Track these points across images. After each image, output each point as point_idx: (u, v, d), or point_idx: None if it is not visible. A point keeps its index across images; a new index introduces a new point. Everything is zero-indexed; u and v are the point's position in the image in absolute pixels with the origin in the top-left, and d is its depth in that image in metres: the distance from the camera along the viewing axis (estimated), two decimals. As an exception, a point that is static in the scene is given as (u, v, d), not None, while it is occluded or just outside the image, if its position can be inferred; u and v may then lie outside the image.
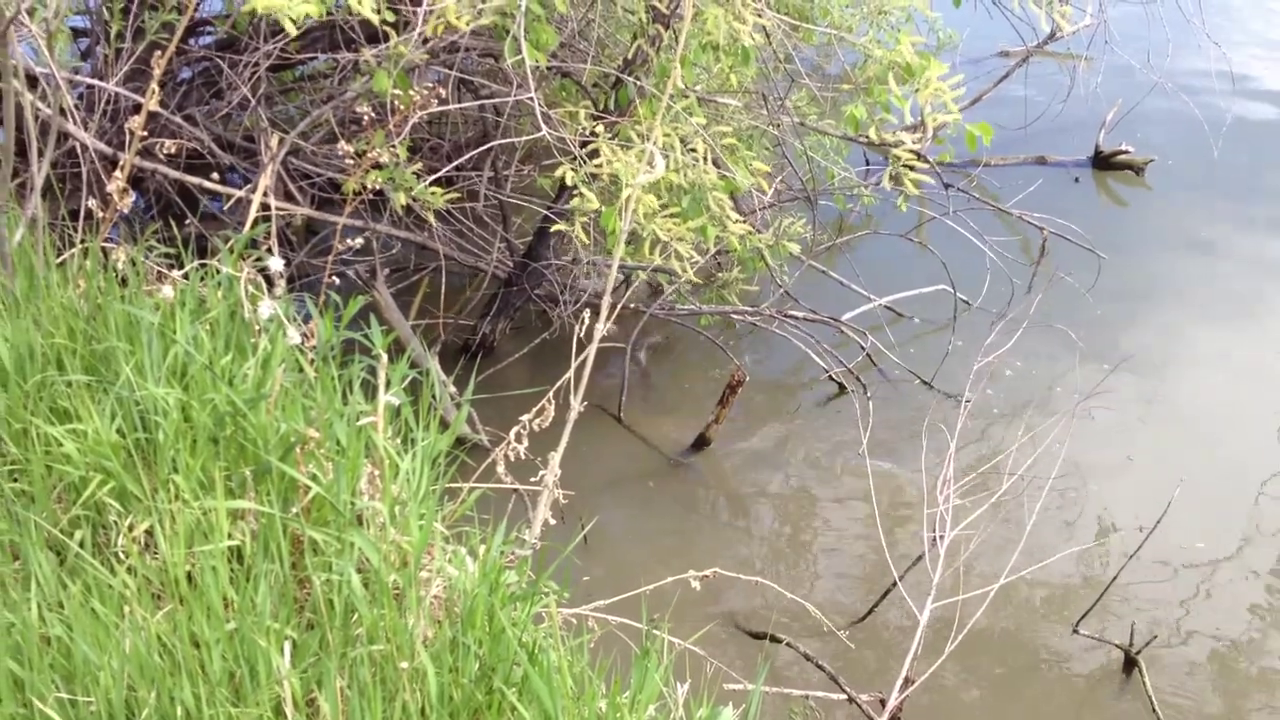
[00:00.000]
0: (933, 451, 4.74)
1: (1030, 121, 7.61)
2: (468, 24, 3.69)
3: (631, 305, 5.73)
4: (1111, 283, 6.55)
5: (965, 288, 6.37)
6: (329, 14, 3.64)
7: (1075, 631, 4.42)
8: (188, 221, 5.22)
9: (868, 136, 4.92)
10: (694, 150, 4.53)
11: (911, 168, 4.67)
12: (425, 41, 3.67)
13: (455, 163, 4.70)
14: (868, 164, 7.35)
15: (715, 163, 4.71)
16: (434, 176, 4.25)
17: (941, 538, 4.09)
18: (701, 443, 5.36)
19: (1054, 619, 4.51)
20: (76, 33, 5.95)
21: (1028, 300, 6.30)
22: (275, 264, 3.25)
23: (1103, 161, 7.84)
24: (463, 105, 5.27)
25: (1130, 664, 4.34)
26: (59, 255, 3.99)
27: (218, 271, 3.64)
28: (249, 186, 4.54)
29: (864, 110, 4.43)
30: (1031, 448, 4.68)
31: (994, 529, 4.56)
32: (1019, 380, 5.80)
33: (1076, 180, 7.74)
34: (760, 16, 4.32)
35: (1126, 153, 7.78)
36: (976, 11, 5.88)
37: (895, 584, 4.33)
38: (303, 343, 3.39)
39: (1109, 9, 6.95)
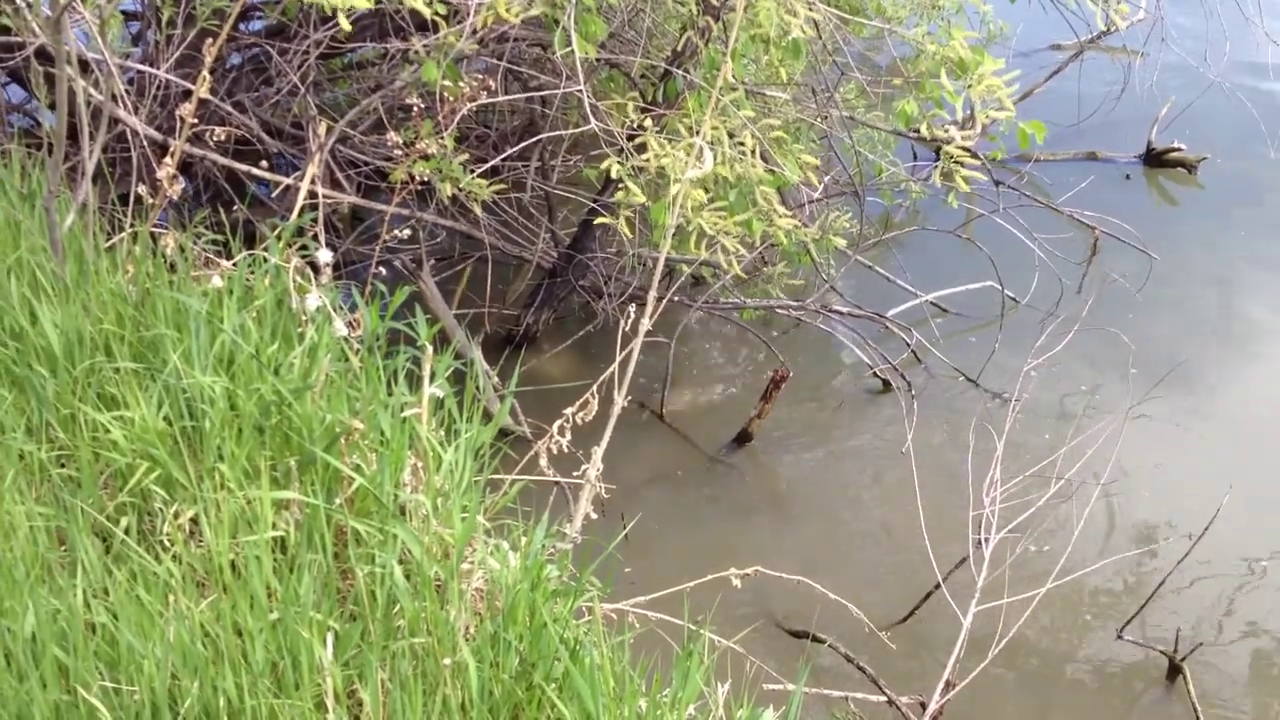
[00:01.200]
0: (979, 452, 4.69)
1: (1084, 119, 7.50)
2: (517, 15, 3.67)
3: (675, 298, 5.70)
4: (1161, 283, 6.45)
5: (1013, 284, 6.30)
6: (378, 2, 3.64)
7: (1120, 637, 4.37)
8: (235, 207, 5.24)
9: (918, 131, 4.86)
10: (742, 144, 4.49)
11: (962, 164, 4.61)
12: (474, 32, 3.65)
13: (503, 155, 4.68)
14: (915, 158, 7.27)
15: (763, 156, 4.67)
16: (481, 169, 4.24)
17: (986, 540, 4.04)
18: (743, 438, 5.33)
19: (1098, 624, 4.46)
20: (127, 15, 5.98)
21: (1078, 301, 6.22)
22: (324, 256, 3.25)
23: (1155, 159, 7.72)
24: (511, 98, 5.25)
25: (1174, 670, 4.28)
26: (108, 239, 4.01)
27: (265, 260, 3.65)
28: (297, 174, 4.55)
29: (915, 106, 4.38)
30: (1079, 451, 4.62)
31: (1040, 532, 4.51)
32: (1068, 382, 5.73)
33: (1128, 177, 7.63)
34: (811, 9, 4.28)
35: (1179, 150, 7.65)
36: (1030, 6, 5.79)
37: (938, 586, 4.29)
38: (348, 333, 3.39)
39: (1165, 4, 6.83)
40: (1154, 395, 5.21)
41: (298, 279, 3.47)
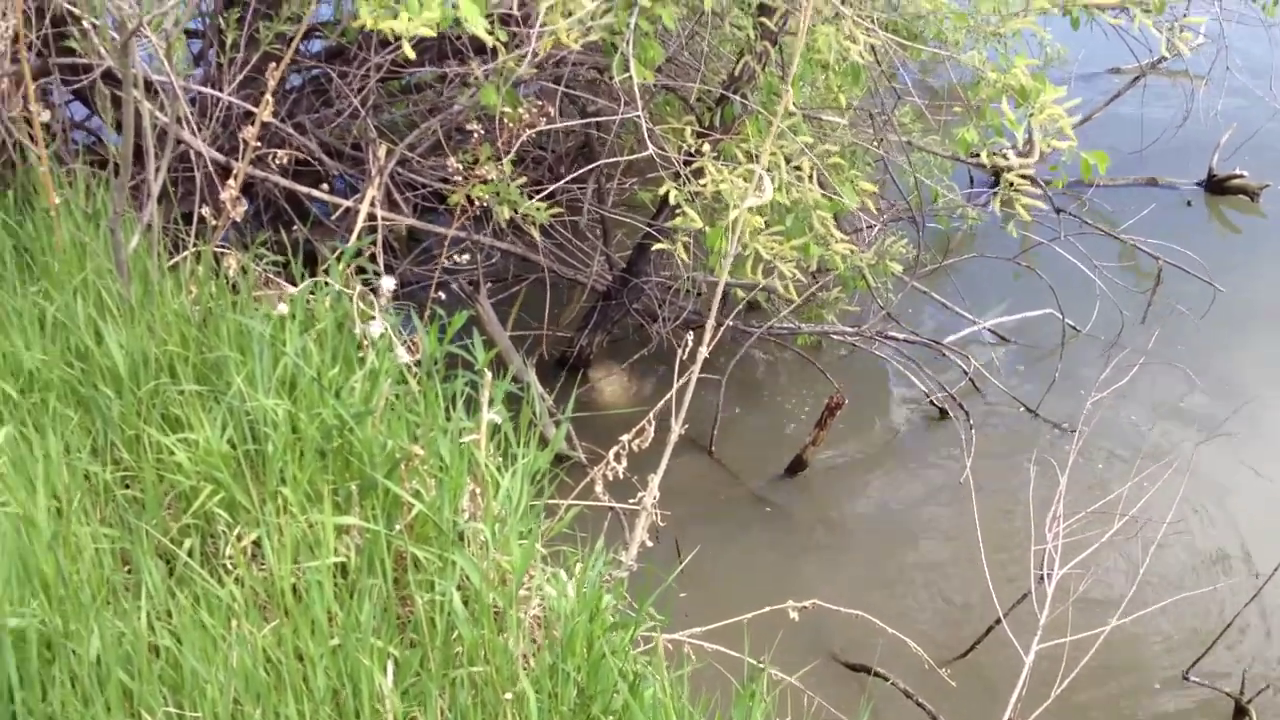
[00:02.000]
0: (1039, 483, 4.62)
1: (1146, 146, 7.40)
2: (576, 41, 3.66)
3: (730, 322, 5.67)
4: (1224, 314, 6.34)
5: (1073, 312, 6.22)
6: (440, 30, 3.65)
7: (1186, 678, 4.28)
8: (295, 227, 5.27)
9: (976, 156, 4.81)
10: (799, 168, 4.46)
11: (1022, 192, 4.55)
12: (534, 57, 3.65)
13: (561, 182, 4.68)
14: (972, 183, 7.21)
15: (820, 181, 4.63)
16: (540, 195, 4.23)
17: (1049, 576, 3.97)
18: (798, 465, 5.29)
19: (1164, 664, 4.37)
20: (189, 33, 6.04)
21: (1140, 330, 6.13)
22: (388, 283, 3.25)
23: (1216, 185, 7.61)
24: (570, 124, 5.25)
25: (1240, 712, 4.19)
26: (170, 258, 4.05)
27: (326, 283, 3.67)
28: (356, 197, 4.58)
29: (976, 133, 4.33)
30: (1145, 486, 4.54)
31: (1105, 569, 4.43)
32: (1131, 415, 5.64)
33: (1189, 204, 7.52)
34: (870, 35, 4.25)
35: (1241, 177, 7.54)
36: (1092, 31, 5.73)
37: (999, 621, 4.22)
38: (409, 359, 3.39)
39: (1229, 29, 6.73)
40: (1220, 431, 5.11)
41: (360, 305, 3.48)
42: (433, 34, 3.25)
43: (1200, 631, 4.49)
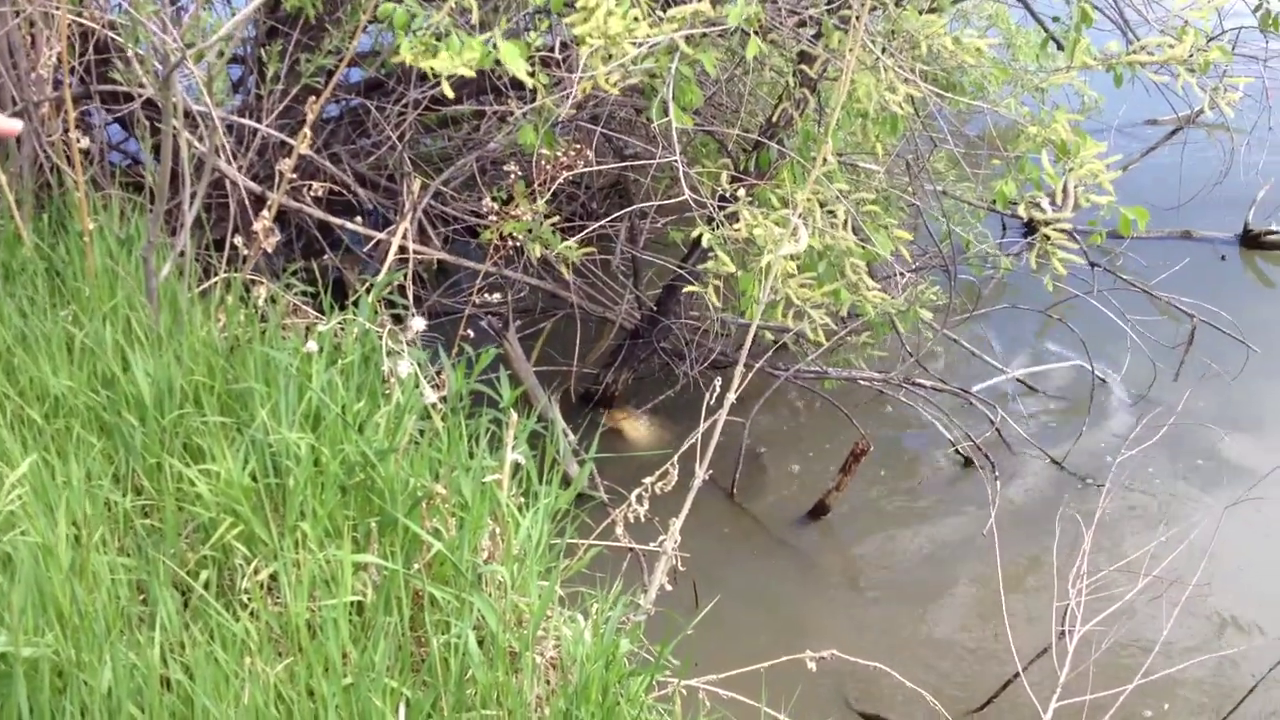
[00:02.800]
0: (1064, 537, 4.56)
1: (1184, 201, 7.35)
2: (615, 85, 3.67)
3: (757, 364, 5.65)
4: (1258, 373, 6.27)
5: (1103, 364, 6.17)
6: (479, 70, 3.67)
7: (1208, 742, 4.22)
8: (325, 256, 5.30)
9: (1014, 207, 4.79)
10: (833, 213, 4.45)
11: (1059, 244, 4.52)
12: (572, 99, 3.67)
13: (597, 225, 4.68)
14: (1004, 231, 7.18)
15: (854, 228, 4.62)
16: (575, 237, 4.24)
17: (1071, 632, 3.92)
18: (820, 510, 5.25)
19: (1186, 727, 4.31)
20: (229, 60, 6.10)
21: (1173, 388, 6.07)
22: (417, 324, 3.26)
23: (1252, 240, 7.55)
24: (607, 166, 5.27)
25: (1264, 779, 4.12)
26: (200, 284, 4.07)
27: (355, 315, 3.67)
28: (389, 229, 4.59)
29: (1014, 186, 4.31)
30: (1172, 545, 4.48)
31: (1128, 627, 4.37)
32: (1159, 473, 5.57)
33: (1223, 258, 7.47)
34: (910, 85, 4.24)
35: (1276, 233, 7.48)
36: (1134, 86, 5.72)
37: (1017, 675, 4.16)
38: (436, 399, 3.39)
39: (1270, 83, 6.69)
40: (1250, 496, 5.03)
41: (388, 341, 3.48)
42: (470, 73, 3.27)
43: (1223, 693, 4.41)
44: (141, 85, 4.23)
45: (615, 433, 5.61)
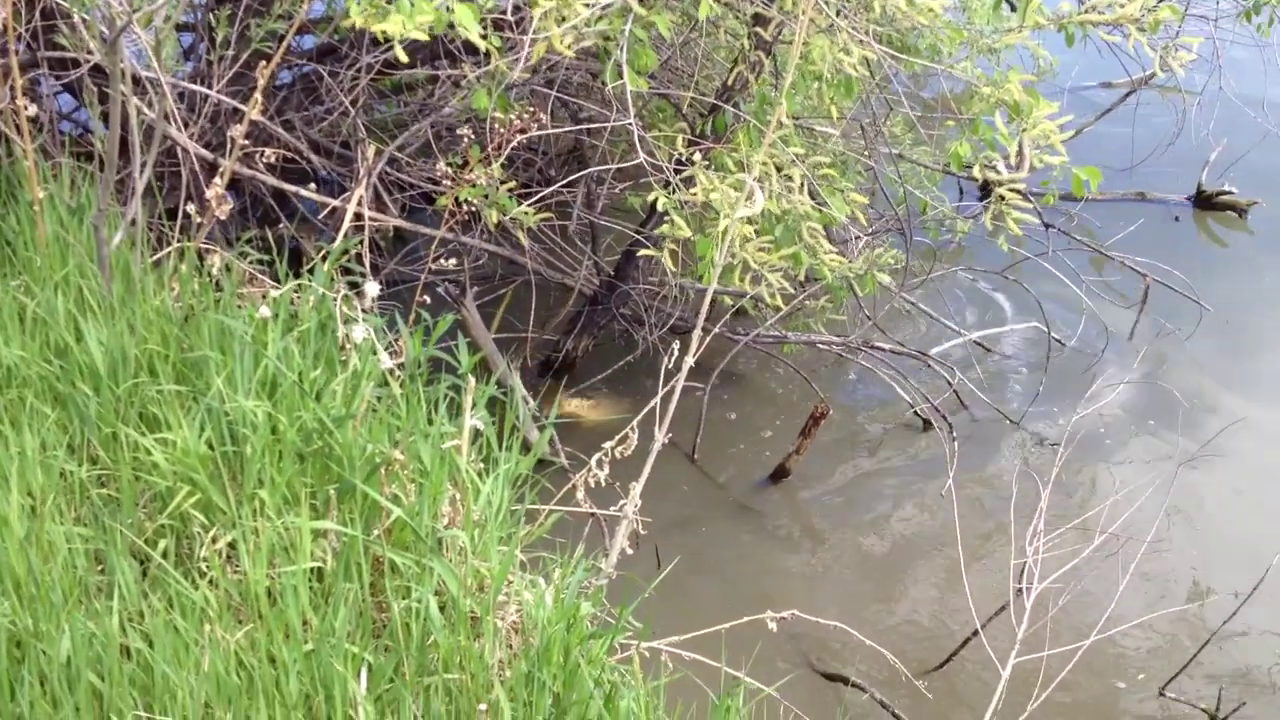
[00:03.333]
0: (1021, 497, 4.62)
1: (1137, 162, 7.41)
2: (569, 47, 3.65)
3: (716, 330, 5.65)
4: (1211, 332, 6.35)
5: (1059, 327, 6.23)
6: (433, 34, 3.64)
7: (1162, 694, 4.29)
8: (280, 225, 5.25)
9: (968, 169, 4.81)
10: (789, 178, 4.46)
11: (1013, 205, 4.55)
12: (527, 63, 3.64)
13: (552, 188, 4.67)
14: (961, 194, 7.22)
15: (810, 192, 4.63)
16: (530, 200, 4.22)
17: (1028, 590, 3.97)
18: (780, 474, 5.28)
19: (1141, 680, 4.37)
20: (179, 27, 6.01)
21: (1125, 346, 6.14)
22: (371, 289, 3.24)
23: (1204, 202, 7.62)
24: (561, 130, 5.24)
25: (1216, 730, 4.20)
26: (154, 254, 4.03)
27: (310, 283, 3.65)
28: (344, 196, 4.56)
29: (969, 148, 4.33)
30: (1126, 503, 4.54)
31: (1084, 584, 4.43)
32: (1114, 431, 5.64)
33: (1176, 219, 7.54)
34: (864, 47, 4.24)
35: (1230, 194, 7.56)
36: (1085, 47, 5.74)
37: (976, 633, 4.22)
38: (392, 364, 3.37)
39: (1221, 45, 6.74)
40: (1204, 453, 5.10)
41: (343, 308, 3.46)
42: (425, 36, 3.24)
43: (1178, 648, 4.49)
44: (89, 51, 4.16)
45: (577, 399, 5.61)
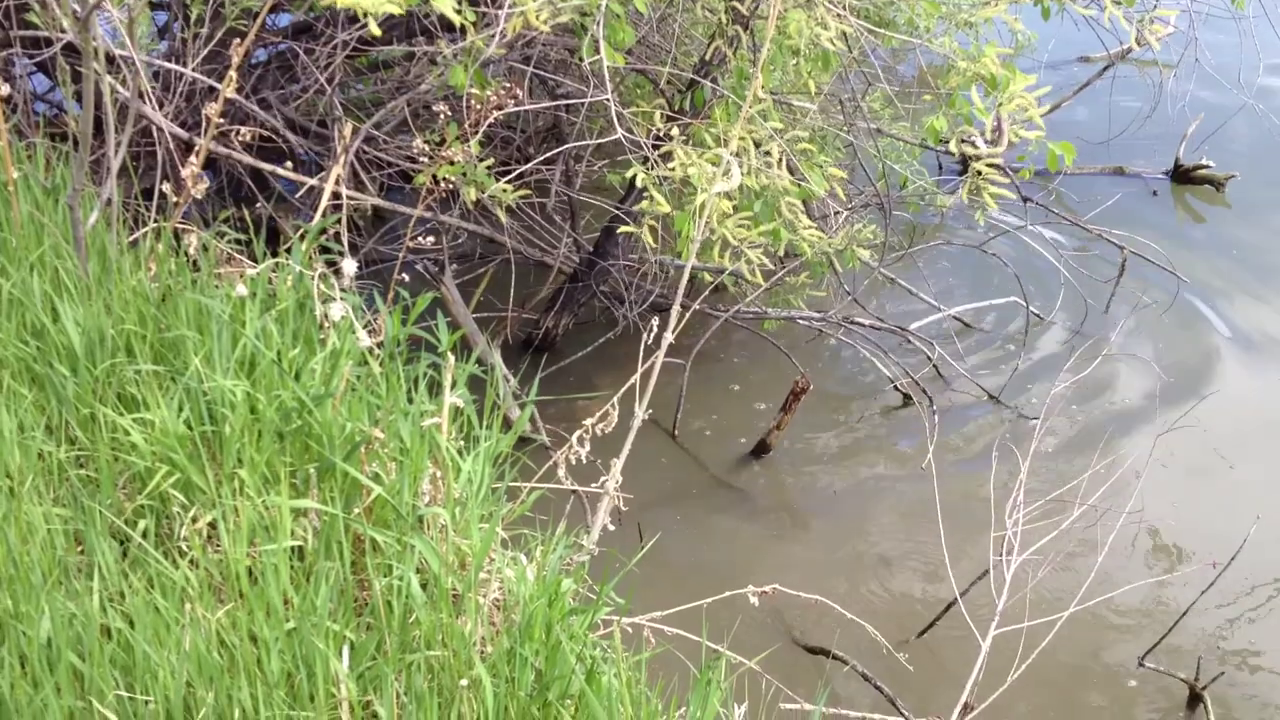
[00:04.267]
0: (1001, 471, 4.65)
1: (1114, 136, 7.42)
2: (546, 23, 3.64)
3: (696, 306, 5.66)
4: (1188, 304, 6.39)
5: (1038, 301, 6.25)
6: (407, 8, 3.62)
7: (1141, 664, 4.33)
8: (258, 204, 5.23)
9: (945, 144, 4.82)
10: (768, 153, 4.46)
11: (990, 179, 4.56)
12: (503, 38, 3.63)
13: (530, 164, 4.66)
14: (940, 169, 7.23)
15: (789, 167, 4.63)
16: (508, 177, 4.21)
17: (1008, 561, 4.00)
18: (761, 449, 5.30)
19: (1120, 650, 4.41)
20: (152, 4, 5.96)
21: (1105, 321, 6.17)
22: (349, 266, 3.23)
23: (1182, 175, 7.65)
24: (539, 106, 5.23)
25: (1195, 699, 4.24)
26: (130, 234, 4.00)
27: (288, 262, 3.63)
28: (321, 175, 4.53)
29: (945, 122, 4.33)
30: (1105, 475, 4.57)
31: (1063, 556, 4.46)
32: (1093, 404, 5.67)
33: (1154, 193, 7.57)
34: (841, 21, 4.24)
35: (1207, 168, 7.59)
36: (1062, 21, 5.75)
37: (955, 601, 4.25)
38: (371, 342, 3.37)
39: (1198, 19, 6.75)
40: (1182, 424, 5.14)
41: (321, 285, 3.45)
42: (400, 12, 3.22)
43: (1157, 618, 4.53)
44: (62, 29, 4.12)
45: (557, 376, 5.61)
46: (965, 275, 6.57)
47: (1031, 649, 3.87)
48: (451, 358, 3.23)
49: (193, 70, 4.36)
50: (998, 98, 4.20)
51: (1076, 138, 4.16)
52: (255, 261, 3.94)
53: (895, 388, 5.69)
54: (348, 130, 4.47)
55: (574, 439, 3.81)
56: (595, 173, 5.98)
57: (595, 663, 2.81)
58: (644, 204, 4.50)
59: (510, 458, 3.42)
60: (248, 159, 4.63)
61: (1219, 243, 7.11)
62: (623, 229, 4.85)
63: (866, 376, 5.82)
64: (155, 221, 3.96)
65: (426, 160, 3.70)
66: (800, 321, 5.86)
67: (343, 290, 3.51)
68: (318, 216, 4.00)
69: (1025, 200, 6.48)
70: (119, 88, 3.99)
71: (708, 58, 4.69)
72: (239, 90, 4.50)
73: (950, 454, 5.34)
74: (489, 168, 4.35)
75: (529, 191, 4.84)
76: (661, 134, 4.46)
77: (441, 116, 3.43)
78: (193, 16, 4.51)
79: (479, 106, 3.38)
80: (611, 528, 3.72)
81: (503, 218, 4.75)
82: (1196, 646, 4.43)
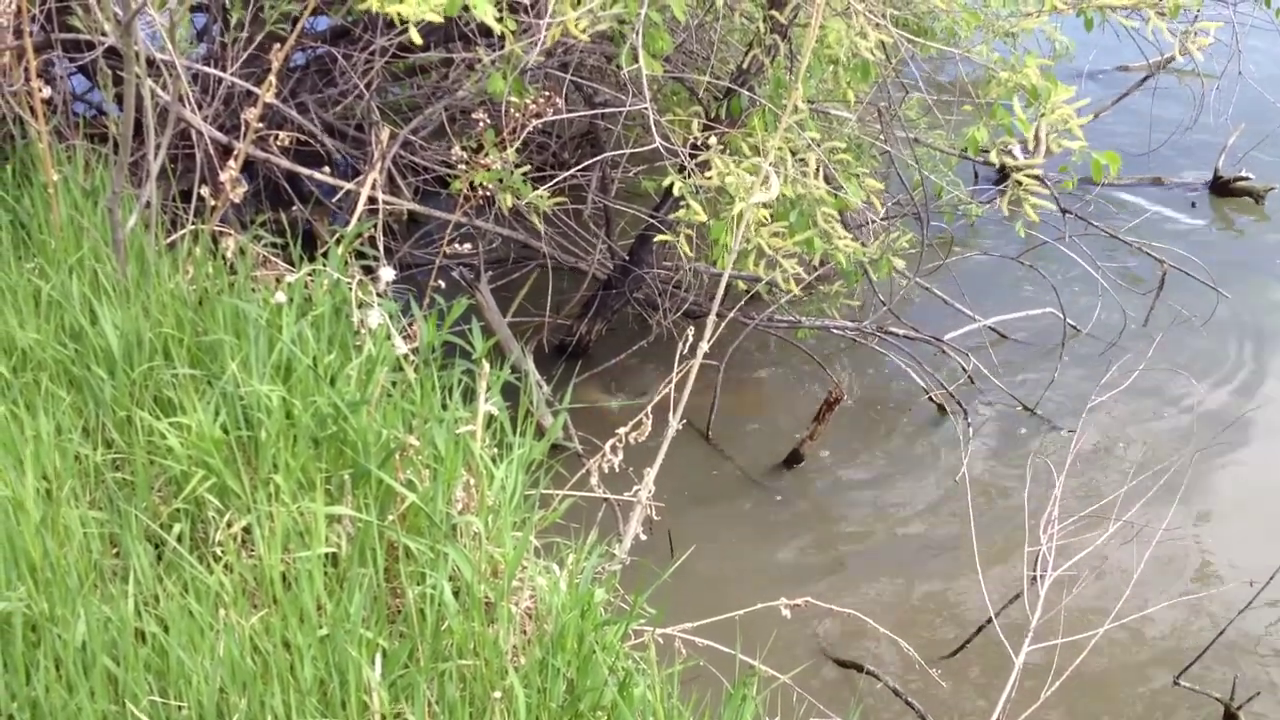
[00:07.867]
0: (1036, 483, 4.60)
1: (1154, 148, 7.35)
2: (584, 31, 3.63)
3: (729, 313, 5.63)
4: (1228, 319, 6.32)
5: (1075, 312, 6.20)
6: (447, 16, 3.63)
7: (1176, 683, 4.27)
8: (294, 208, 5.24)
9: (985, 154, 4.78)
10: (804, 162, 4.44)
11: (1030, 190, 4.53)
12: (543, 46, 3.63)
13: (567, 172, 4.65)
14: (976, 179, 7.18)
15: (826, 177, 4.61)
16: (545, 186, 4.21)
17: (1042, 577, 3.96)
18: (794, 459, 5.27)
19: (1156, 669, 4.36)
20: (194, 8, 5.99)
21: (1143, 334, 6.11)
22: (386, 274, 3.23)
23: (1221, 187, 7.57)
24: (577, 114, 5.22)
25: (1230, 718, 4.18)
26: (169, 237, 4.02)
27: (324, 267, 3.64)
28: (358, 180, 4.55)
29: (986, 133, 4.30)
30: (1143, 490, 4.52)
31: (1099, 572, 4.42)
32: (1131, 418, 5.61)
33: (1193, 205, 7.49)
34: (880, 30, 4.22)
35: (1247, 180, 7.51)
36: (1104, 31, 5.71)
37: (990, 621, 4.21)
38: (407, 349, 3.37)
39: (1241, 30, 6.67)
40: (1220, 440, 5.07)
41: (358, 292, 3.45)
42: (438, 17, 3.22)
43: (1193, 637, 4.47)
44: (103, 33, 4.15)
45: (590, 383, 5.60)
46: (1003, 286, 6.51)
47: (1065, 666, 3.83)
48: (486, 365, 3.23)
49: (232, 74, 4.38)
50: (1039, 108, 4.17)
51: (1115, 147, 4.11)
52: (291, 265, 3.96)
53: (930, 398, 5.65)
54: (385, 135, 4.49)
55: (607, 447, 3.80)
56: (630, 179, 5.97)
57: (629, 675, 2.80)
58: (680, 213, 4.49)
59: (543, 465, 3.42)
60: (285, 163, 4.64)
61: (1259, 255, 7.02)
62: (658, 237, 4.84)
63: (900, 387, 5.78)
64: (193, 224, 3.98)
65: (464, 166, 3.70)
66: (834, 330, 5.83)
67: (379, 296, 3.51)
68: (354, 221, 4.01)
69: (1064, 212, 6.42)
70: (159, 91, 4.01)
71: (745, 66, 4.67)
72: (277, 94, 4.52)
73: (985, 467, 5.30)
74: (525, 174, 4.35)
75: (565, 198, 4.83)
76: (698, 142, 4.45)
77: (480, 123, 3.43)
78: (232, 20, 4.52)
79: (517, 114, 3.37)
80: (644, 537, 3.71)
81: (538, 224, 4.75)
82: (1233, 666, 4.37)
